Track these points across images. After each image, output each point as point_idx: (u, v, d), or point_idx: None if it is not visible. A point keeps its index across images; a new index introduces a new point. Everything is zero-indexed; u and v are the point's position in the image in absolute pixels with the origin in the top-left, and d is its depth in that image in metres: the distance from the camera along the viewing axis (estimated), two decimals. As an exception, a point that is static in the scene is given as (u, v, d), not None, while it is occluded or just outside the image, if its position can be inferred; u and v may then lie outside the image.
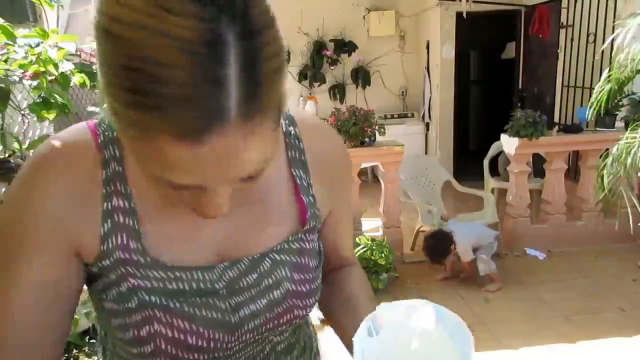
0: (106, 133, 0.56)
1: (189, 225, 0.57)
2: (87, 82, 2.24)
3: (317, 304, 0.71)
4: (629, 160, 2.47)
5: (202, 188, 0.45)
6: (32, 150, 1.99)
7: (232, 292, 0.59)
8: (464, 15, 5.14)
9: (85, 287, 0.61)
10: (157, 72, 0.37)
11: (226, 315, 0.59)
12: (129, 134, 0.41)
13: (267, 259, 0.61)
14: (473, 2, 5.25)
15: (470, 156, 6.23)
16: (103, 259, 0.56)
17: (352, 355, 0.59)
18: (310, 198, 0.63)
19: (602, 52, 4.10)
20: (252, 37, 0.39)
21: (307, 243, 0.65)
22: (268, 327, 0.62)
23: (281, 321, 0.62)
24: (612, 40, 2.79)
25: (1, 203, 0.57)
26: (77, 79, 2.13)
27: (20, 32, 1.90)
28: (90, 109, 2.67)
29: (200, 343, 0.57)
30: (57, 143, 0.55)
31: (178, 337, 0.56)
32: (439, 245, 3.25)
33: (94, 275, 0.58)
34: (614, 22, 4.14)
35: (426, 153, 6.45)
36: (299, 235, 0.64)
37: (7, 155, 1.93)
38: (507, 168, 3.93)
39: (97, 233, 0.55)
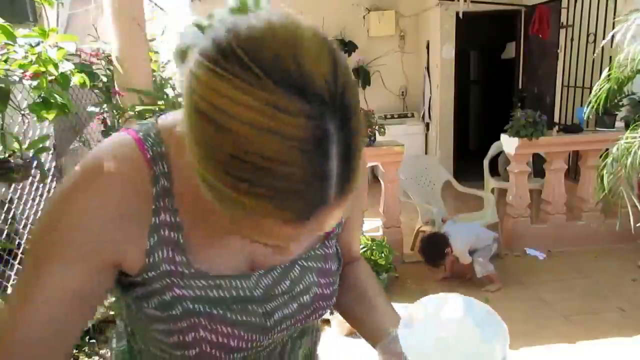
0: (154, 148, 0.57)
1: (226, 239, 0.61)
2: (87, 82, 2.24)
3: (339, 310, 0.81)
4: (629, 160, 2.47)
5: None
6: (31, 150, 1.99)
7: (267, 299, 0.64)
8: (461, 15, 5.15)
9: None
10: (269, 166, 0.40)
11: (263, 319, 0.64)
12: (229, 210, 0.44)
13: (296, 266, 0.67)
14: (473, 2, 5.26)
15: (470, 156, 6.23)
16: (148, 270, 0.58)
17: (374, 347, 0.70)
18: None
19: (602, 52, 4.09)
20: (349, 125, 0.42)
21: (329, 249, 0.71)
22: (296, 326, 0.68)
23: (307, 320, 0.69)
24: (612, 38, 2.79)
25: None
26: (77, 79, 2.13)
27: (20, 32, 1.90)
28: (90, 109, 2.68)
29: (240, 345, 0.62)
30: (108, 157, 0.56)
31: (221, 341, 0.61)
32: (434, 248, 3.25)
33: (133, 283, 0.60)
34: (614, 22, 4.15)
35: (426, 153, 6.45)
36: (324, 242, 0.70)
37: (7, 155, 1.92)
38: (507, 168, 3.93)
39: (142, 247, 0.57)
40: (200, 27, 0.51)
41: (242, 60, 0.40)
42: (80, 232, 0.54)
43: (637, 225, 2.66)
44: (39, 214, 0.54)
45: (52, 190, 3.11)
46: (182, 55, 0.50)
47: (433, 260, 3.27)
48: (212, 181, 0.43)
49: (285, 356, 0.72)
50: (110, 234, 0.55)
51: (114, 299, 2.62)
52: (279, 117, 0.39)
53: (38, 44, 1.90)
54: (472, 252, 3.27)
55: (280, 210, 0.42)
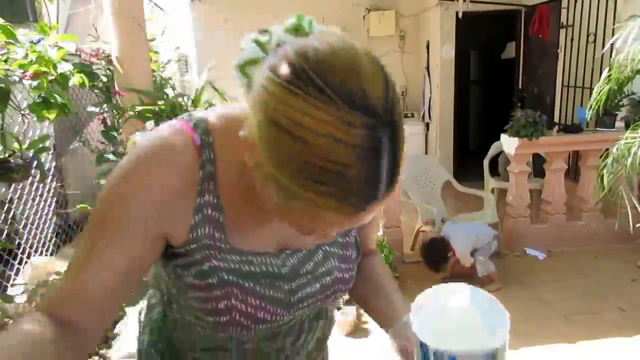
0: (203, 137, 0.65)
1: (259, 221, 0.70)
2: (86, 82, 2.24)
3: (354, 296, 0.90)
4: (629, 160, 2.47)
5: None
6: (31, 150, 1.99)
7: (293, 277, 0.73)
8: (460, 15, 5.15)
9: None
10: (338, 170, 0.49)
11: (288, 296, 0.72)
12: (294, 203, 0.52)
13: (320, 250, 0.76)
14: (473, 2, 5.25)
15: (470, 156, 6.23)
16: (191, 243, 0.66)
17: (387, 333, 0.79)
18: None
19: (602, 52, 4.09)
20: (397, 135, 0.51)
21: (350, 238, 0.79)
22: (316, 305, 0.77)
23: (326, 301, 0.77)
24: (612, 45, 2.79)
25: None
26: (76, 79, 2.13)
27: (20, 31, 1.90)
28: (90, 108, 2.68)
29: (266, 317, 0.70)
30: (162, 142, 0.64)
31: (250, 311, 0.69)
32: (435, 253, 3.25)
33: (176, 254, 0.68)
34: (614, 22, 4.14)
35: (426, 153, 6.45)
36: (344, 231, 0.78)
37: (7, 155, 1.92)
38: (507, 168, 3.93)
39: (188, 223, 0.66)
40: (259, 43, 0.57)
41: (314, 81, 0.49)
42: (137, 209, 0.62)
43: (637, 225, 2.66)
44: (100, 194, 0.60)
45: (52, 190, 3.11)
46: (242, 68, 0.57)
47: (436, 265, 3.26)
48: (284, 182, 0.51)
49: (302, 335, 0.80)
50: (162, 211, 0.63)
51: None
52: (346, 130, 0.48)
53: (39, 41, 1.89)
54: (472, 252, 3.27)
55: (342, 205, 0.51)
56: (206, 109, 0.69)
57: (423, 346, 0.61)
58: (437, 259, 3.24)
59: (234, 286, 0.68)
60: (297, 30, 0.57)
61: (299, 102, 0.48)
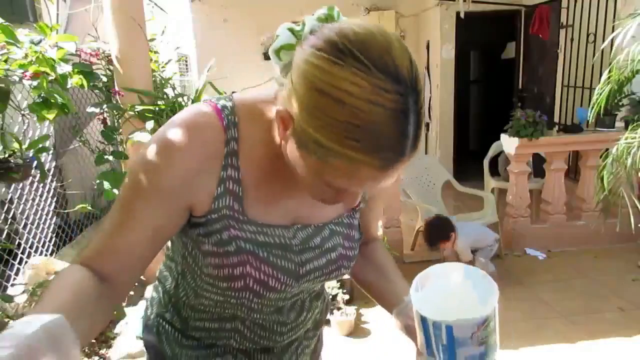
0: (229, 117, 0.72)
1: (275, 196, 0.77)
2: (85, 83, 2.23)
3: (353, 274, 0.96)
4: (629, 160, 2.46)
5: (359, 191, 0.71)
6: (31, 150, 1.99)
7: (302, 250, 0.79)
8: (462, 15, 5.15)
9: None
10: (376, 129, 0.56)
11: (297, 267, 0.78)
12: (331, 162, 0.60)
13: (327, 227, 0.82)
14: (473, 1, 5.26)
15: (470, 156, 6.23)
16: (212, 213, 0.73)
17: (390, 312, 0.86)
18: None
19: (602, 52, 4.09)
20: (419, 101, 0.59)
21: (353, 219, 0.86)
22: (321, 279, 0.83)
23: (331, 276, 0.83)
24: (612, 40, 2.79)
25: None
26: (75, 80, 2.13)
27: (20, 31, 1.90)
28: (90, 109, 2.67)
29: (276, 285, 0.76)
30: (193, 120, 0.71)
31: (262, 279, 0.75)
32: (440, 229, 3.22)
33: (197, 223, 0.74)
34: (614, 22, 4.14)
35: (426, 153, 6.45)
36: (350, 213, 0.85)
37: (7, 155, 1.92)
38: (507, 168, 3.93)
39: (211, 194, 0.72)
40: (293, 31, 0.65)
41: (354, 54, 0.57)
42: (170, 178, 0.69)
43: (638, 225, 2.66)
44: (127, 171, 0.69)
45: (52, 190, 3.11)
46: (278, 52, 0.65)
47: (435, 239, 3.23)
48: (326, 143, 0.58)
49: (304, 312, 0.87)
50: (190, 181, 0.70)
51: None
52: (381, 94, 0.56)
53: (40, 41, 1.89)
54: (473, 252, 3.28)
55: (376, 159, 0.58)
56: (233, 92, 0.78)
57: (423, 319, 0.68)
58: (438, 234, 3.22)
59: (250, 254, 0.74)
60: (328, 19, 0.66)
61: (342, 71, 0.56)
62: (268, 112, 0.73)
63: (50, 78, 1.90)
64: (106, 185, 2.43)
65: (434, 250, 3.30)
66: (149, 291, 1.03)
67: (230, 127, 0.72)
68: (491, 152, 4.53)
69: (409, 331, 0.79)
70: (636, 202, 2.49)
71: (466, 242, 3.21)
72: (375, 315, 2.90)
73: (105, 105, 2.60)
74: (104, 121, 2.63)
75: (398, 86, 0.57)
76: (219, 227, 0.73)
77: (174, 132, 0.69)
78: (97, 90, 2.70)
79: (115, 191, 2.45)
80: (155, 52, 2.99)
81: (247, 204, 0.74)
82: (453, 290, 0.72)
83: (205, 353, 0.87)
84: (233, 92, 0.78)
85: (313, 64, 0.58)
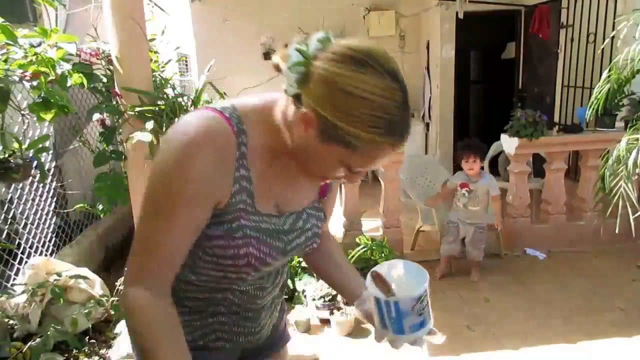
0: (238, 125, 0.84)
1: (272, 190, 0.93)
2: (85, 82, 2.23)
3: (314, 268, 1.19)
4: (630, 160, 2.46)
5: (366, 169, 0.88)
6: (31, 150, 1.98)
7: (289, 232, 0.97)
8: (460, 16, 5.15)
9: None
10: (392, 118, 0.77)
11: (286, 246, 0.96)
12: (359, 147, 0.78)
13: (304, 212, 1.00)
14: (473, 2, 5.26)
15: (470, 156, 6.22)
16: (229, 207, 0.86)
17: (350, 303, 1.13)
18: (329, 181, 1.02)
19: (602, 52, 4.09)
20: (407, 95, 0.81)
21: (320, 204, 1.06)
22: (299, 252, 1.03)
23: (306, 250, 1.03)
24: (612, 39, 2.79)
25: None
26: (75, 78, 2.12)
27: (20, 32, 1.90)
28: (94, 117, 2.65)
29: (270, 261, 0.93)
30: (209, 128, 0.81)
31: (261, 257, 0.90)
32: (477, 144, 3.39)
33: (213, 214, 0.86)
34: (614, 22, 4.14)
35: (426, 153, 6.45)
36: (319, 200, 1.06)
37: (7, 155, 1.92)
38: (507, 168, 3.93)
39: (229, 191, 0.85)
40: (302, 51, 0.79)
41: (369, 63, 0.76)
42: (199, 184, 0.80)
43: (638, 225, 2.65)
44: (151, 176, 0.82)
45: (52, 190, 3.11)
46: (292, 69, 0.79)
47: (469, 150, 3.33)
48: (354, 131, 0.76)
49: (278, 276, 1.06)
50: (215, 183, 0.82)
51: (115, 299, 2.62)
52: (393, 92, 0.77)
53: (40, 44, 1.89)
54: (465, 242, 3.42)
55: (392, 139, 0.79)
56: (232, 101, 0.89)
57: (377, 300, 0.92)
58: (474, 147, 3.35)
59: (253, 238, 0.88)
60: (326, 41, 0.80)
61: (363, 76, 0.75)
62: (268, 118, 0.87)
63: (50, 78, 1.90)
64: (101, 206, 2.47)
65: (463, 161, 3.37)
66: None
67: (240, 133, 0.84)
68: (491, 152, 4.53)
69: (368, 317, 1.03)
70: (636, 202, 2.49)
71: (494, 180, 3.41)
72: (375, 315, 2.90)
73: (105, 106, 2.60)
74: (102, 123, 2.62)
75: (399, 84, 0.78)
76: (230, 218, 0.86)
77: (193, 141, 0.79)
78: (97, 94, 2.69)
79: (107, 204, 2.48)
80: (155, 52, 2.98)
81: (255, 198, 0.89)
82: (396, 277, 0.96)
83: (196, 317, 0.99)
84: (228, 98, 0.90)
85: (337, 73, 0.75)
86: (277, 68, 0.84)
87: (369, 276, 0.96)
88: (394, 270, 0.98)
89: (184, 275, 0.93)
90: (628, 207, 2.49)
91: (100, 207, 2.47)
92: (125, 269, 0.86)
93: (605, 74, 2.97)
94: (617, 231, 2.48)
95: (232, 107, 0.86)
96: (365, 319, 1.06)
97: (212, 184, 0.81)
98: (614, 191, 2.54)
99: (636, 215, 2.51)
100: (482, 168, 3.52)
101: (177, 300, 0.96)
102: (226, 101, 0.89)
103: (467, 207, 3.38)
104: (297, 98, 0.80)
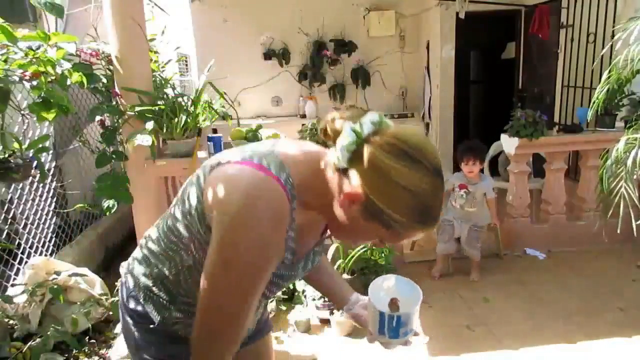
0: (291, 191, 0.90)
1: (302, 245, 1.02)
2: (85, 81, 2.23)
3: (305, 277, 1.25)
4: (630, 160, 2.46)
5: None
6: (31, 150, 1.98)
7: (298, 274, 1.09)
8: (461, 16, 5.14)
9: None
10: (432, 211, 0.86)
11: (297, 277, 1.10)
12: (397, 229, 0.86)
13: (312, 253, 1.10)
14: (474, 2, 5.25)
15: (470, 156, 6.21)
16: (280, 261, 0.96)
17: (339, 308, 1.31)
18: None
19: (602, 53, 4.09)
20: (444, 185, 0.88)
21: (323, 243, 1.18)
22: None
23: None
24: (612, 47, 2.78)
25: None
26: (75, 78, 2.12)
27: (20, 32, 1.90)
28: (96, 119, 2.65)
29: (272, 295, 1.09)
30: (275, 208, 0.87)
31: (274, 290, 1.04)
32: (476, 147, 3.39)
33: None
34: (614, 22, 4.14)
35: (426, 153, 6.43)
36: (323, 240, 1.15)
37: (7, 155, 1.92)
38: (507, 168, 3.93)
39: (283, 250, 0.94)
40: (356, 132, 0.85)
41: (420, 161, 0.83)
42: (275, 258, 0.91)
43: (638, 225, 2.65)
44: (229, 250, 0.89)
45: (52, 190, 3.11)
46: (346, 149, 0.86)
47: (468, 153, 3.34)
48: (396, 217, 0.84)
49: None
50: (281, 244, 0.92)
51: (115, 299, 2.62)
52: (437, 189, 0.85)
53: (39, 47, 1.89)
54: (460, 241, 3.43)
55: (428, 226, 0.87)
56: (281, 164, 0.93)
57: (380, 313, 1.06)
58: (473, 150, 3.36)
59: (273, 282, 0.99)
60: (379, 124, 0.87)
61: (414, 173, 0.82)
62: (315, 183, 0.93)
63: (50, 78, 1.90)
64: (107, 203, 2.47)
65: (463, 164, 3.39)
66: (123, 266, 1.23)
67: (292, 199, 0.91)
68: (491, 152, 4.53)
69: (358, 319, 1.23)
70: (637, 202, 2.49)
71: (492, 184, 3.39)
72: (375, 315, 2.90)
73: (105, 106, 2.60)
74: (102, 123, 2.62)
75: (441, 180, 0.86)
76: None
77: (269, 223, 0.86)
78: (97, 94, 2.69)
79: (112, 202, 2.49)
80: (155, 52, 2.98)
81: (295, 254, 1.00)
82: (392, 292, 1.13)
83: (189, 317, 1.02)
84: (273, 146, 0.97)
85: (391, 166, 0.82)
86: (325, 134, 0.92)
87: (370, 289, 1.12)
88: (388, 283, 1.15)
89: (188, 284, 1.00)
90: (629, 207, 2.50)
91: (105, 205, 2.47)
92: (195, 332, 0.92)
93: (605, 74, 2.97)
94: (618, 231, 2.48)
95: (287, 174, 0.91)
96: (355, 321, 1.24)
97: (280, 254, 0.94)
98: (614, 192, 2.54)
99: None
100: (482, 170, 3.52)
101: (174, 301, 1.04)
102: (276, 155, 0.93)
103: (464, 208, 3.38)
104: (344, 171, 0.87)
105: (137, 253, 1.12)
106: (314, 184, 0.92)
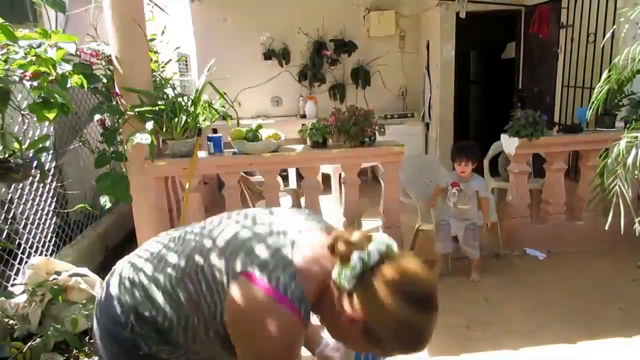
0: (305, 310, 0.95)
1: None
2: (85, 83, 2.23)
3: None
4: (629, 160, 2.46)
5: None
6: (31, 150, 1.98)
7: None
8: (462, 15, 5.14)
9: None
10: (424, 343, 0.95)
11: None
12: (389, 352, 0.98)
13: None
14: (474, 2, 5.25)
15: (470, 156, 6.21)
16: None
17: (309, 350, 1.35)
18: None
19: (602, 51, 4.09)
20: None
21: None
22: None
23: None
24: (613, 34, 2.78)
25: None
26: (75, 79, 2.12)
27: (20, 32, 1.89)
28: (95, 117, 2.65)
29: None
30: (298, 337, 0.97)
31: None
32: (471, 147, 3.41)
33: None
34: (614, 22, 4.14)
35: (426, 153, 6.45)
36: None
37: (7, 155, 1.92)
38: (507, 168, 3.93)
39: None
40: (363, 260, 0.92)
41: (425, 306, 0.93)
42: (300, 345, 1.01)
43: (638, 225, 2.65)
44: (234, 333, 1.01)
45: (52, 190, 3.11)
46: (352, 276, 0.92)
47: (462, 154, 3.36)
48: (390, 346, 0.95)
49: None
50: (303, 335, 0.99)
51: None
52: (433, 324, 0.94)
53: (39, 46, 1.89)
54: (455, 237, 3.44)
55: (419, 351, 0.96)
56: (295, 276, 0.96)
57: (356, 354, 1.20)
58: (467, 151, 3.37)
59: None
60: (387, 255, 0.94)
61: (419, 317, 0.92)
62: (323, 302, 0.99)
63: (50, 78, 1.90)
64: (105, 199, 2.47)
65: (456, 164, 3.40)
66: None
67: (306, 317, 0.96)
68: (491, 152, 4.53)
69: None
70: (629, 201, 2.49)
71: (484, 183, 3.42)
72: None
73: (105, 106, 2.60)
74: (102, 123, 2.62)
75: (436, 313, 0.94)
76: None
77: (286, 351, 0.95)
78: (97, 94, 2.69)
79: (110, 197, 2.49)
80: (155, 52, 2.99)
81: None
82: None
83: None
84: (294, 258, 0.98)
85: (398, 309, 0.89)
86: (333, 250, 0.95)
87: None
88: None
89: (179, 339, 1.06)
90: (631, 207, 2.50)
91: (102, 200, 2.47)
92: None
93: (605, 74, 2.97)
94: (621, 232, 2.48)
95: (305, 302, 0.95)
96: None
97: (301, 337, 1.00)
98: (612, 192, 2.54)
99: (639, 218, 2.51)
100: (476, 170, 3.52)
101: (160, 337, 1.07)
102: (293, 271, 0.96)
103: (457, 205, 3.40)
104: (348, 293, 0.93)
105: (127, 274, 1.13)
106: (322, 300, 0.99)
